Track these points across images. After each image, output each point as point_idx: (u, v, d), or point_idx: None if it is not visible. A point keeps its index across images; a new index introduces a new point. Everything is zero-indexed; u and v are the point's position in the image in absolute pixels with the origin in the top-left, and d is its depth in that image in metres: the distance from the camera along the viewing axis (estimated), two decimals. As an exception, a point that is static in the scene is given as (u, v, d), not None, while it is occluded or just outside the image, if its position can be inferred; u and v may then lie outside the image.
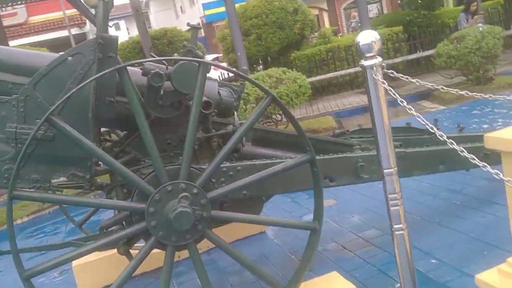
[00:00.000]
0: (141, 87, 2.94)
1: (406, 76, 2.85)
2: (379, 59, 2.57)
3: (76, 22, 23.95)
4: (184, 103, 3.16)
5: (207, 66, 2.73)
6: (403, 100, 2.62)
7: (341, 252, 4.00)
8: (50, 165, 2.72)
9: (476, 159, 2.47)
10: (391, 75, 2.73)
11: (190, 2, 30.12)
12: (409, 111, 2.59)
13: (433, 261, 3.51)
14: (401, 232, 2.72)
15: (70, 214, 4.32)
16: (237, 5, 12.02)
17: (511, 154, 2.53)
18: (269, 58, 13.05)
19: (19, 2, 10.83)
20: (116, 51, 2.80)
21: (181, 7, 33.01)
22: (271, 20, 12.30)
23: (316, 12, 30.29)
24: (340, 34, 22.72)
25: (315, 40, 14.25)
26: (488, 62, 8.89)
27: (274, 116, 8.57)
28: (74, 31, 23.81)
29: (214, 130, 3.25)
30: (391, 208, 2.70)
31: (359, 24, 22.12)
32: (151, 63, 2.80)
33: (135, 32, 13.52)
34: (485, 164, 2.43)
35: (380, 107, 2.62)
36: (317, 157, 3.22)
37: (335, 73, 11.98)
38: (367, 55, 2.56)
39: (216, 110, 3.28)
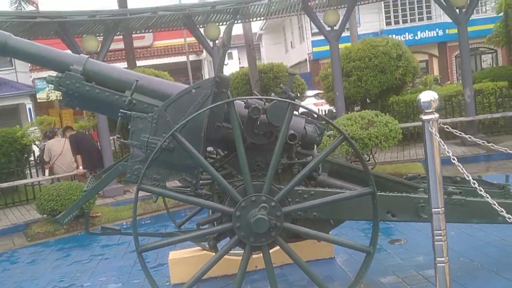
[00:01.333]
0: (243, 117, 3.72)
1: (460, 132, 3.32)
2: (436, 115, 3.10)
3: (194, 50, 26.14)
4: (274, 133, 3.90)
5: (294, 106, 3.42)
6: (449, 150, 3.09)
7: (399, 283, 4.42)
8: (167, 169, 3.56)
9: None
10: (446, 129, 3.23)
11: (301, 38, 31.39)
12: (458, 167, 3.08)
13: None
14: (442, 264, 3.17)
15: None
16: (342, 46, 12.71)
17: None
18: (367, 100, 13.49)
19: (150, 30, 12.41)
20: (228, 88, 3.62)
21: (291, 42, 34.43)
22: (373, 63, 12.76)
23: (425, 57, 30.10)
24: (448, 82, 22.48)
25: (418, 86, 14.44)
26: None
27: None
28: (192, 57, 26.05)
29: (296, 159, 3.92)
30: (436, 243, 3.17)
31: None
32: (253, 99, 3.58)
33: (245, 63, 14.69)
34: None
35: (433, 155, 3.12)
36: (384, 193, 3.80)
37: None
38: (426, 111, 3.11)
39: (300, 142, 3.95)
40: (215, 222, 3.74)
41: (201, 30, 11.44)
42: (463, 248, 5.08)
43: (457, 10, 11.09)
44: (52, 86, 4.00)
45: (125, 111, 3.67)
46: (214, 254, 5.11)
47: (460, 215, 3.96)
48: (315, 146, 4.04)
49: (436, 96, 3.10)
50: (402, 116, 12.35)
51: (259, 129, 3.74)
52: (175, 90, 3.97)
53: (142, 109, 3.82)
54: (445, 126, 3.24)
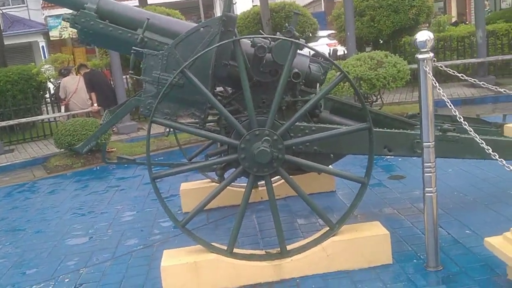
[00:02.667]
0: (249, 55, 3.90)
1: (453, 71, 3.49)
2: (431, 54, 3.26)
3: (206, -13, 25.77)
4: (279, 72, 4.09)
5: (298, 45, 3.58)
6: (444, 93, 3.28)
7: (393, 214, 4.73)
8: (178, 104, 3.80)
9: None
10: (440, 68, 3.39)
11: (315, -25, 30.64)
12: (449, 106, 3.26)
13: (467, 231, 4.13)
14: (430, 194, 3.43)
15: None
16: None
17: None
18: (380, 40, 13.41)
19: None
20: (234, 27, 3.79)
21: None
22: (387, 3, 12.58)
23: (444, -3, 29.27)
24: (467, 22, 22.03)
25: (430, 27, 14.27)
26: None
27: (370, 97, 9.18)
28: (203, -5, 25.72)
29: (300, 97, 4.12)
30: (426, 175, 3.42)
31: (489, 12, 21.32)
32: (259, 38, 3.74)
33: (258, 1, 14.48)
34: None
35: (426, 93, 3.31)
36: (380, 129, 4.02)
37: (442, 62, 12.10)
38: (422, 50, 3.26)
39: (304, 81, 4.13)
40: (222, 154, 4.02)
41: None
42: (459, 184, 5.35)
43: None
44: (68, 23, 4.20)
45: (138, 49, 3.85)
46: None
47: (454, 151, 4.19)
48: (318, 85, 4.22)
49: (432, 36, 3.24)
50: (414, 57, 12.32)
51: (265, 67, 3.93)
52: (184, 29, 4.13)
53: (154, 46, 4.00)
54: (439, 65, 3.39)
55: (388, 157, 5.71)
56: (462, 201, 4.89)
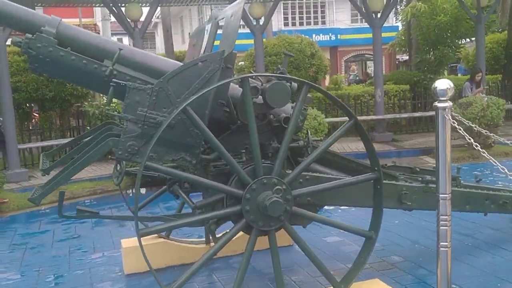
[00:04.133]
0: (235, 96, 3.53)
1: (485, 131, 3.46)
2: (451, 103, 3.19)
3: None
4: (268, 116, 3.75)
5: (309, 87, 3.30)
6: (476, 144, 3.23)
7: (387, 268, 4.50)
8: (165, 147, 3.25)
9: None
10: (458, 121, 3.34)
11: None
12: (482, 153, 3.24)
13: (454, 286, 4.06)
14: (445, 249, 3.27)
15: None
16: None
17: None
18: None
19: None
20: (234, 64, 3.39)
21: (189, 33, 33.92)
22: (289, 60, 12.98)
23: (319, 59, 31.50)
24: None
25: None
26: (490, 130, 9.65)
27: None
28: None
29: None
30: (441, 228, 3.26)
31: (357, 78, 23.24)
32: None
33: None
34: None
35: (445, 142, 3.20)
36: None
37: (342, 118, 12.69)
38: (441, 98, 3.18)
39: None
40: (214, 206, 3.49)
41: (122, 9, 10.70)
42: (413, 235, 5.36)
43: (373, 15, 11.68)
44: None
45: (119, 81, 3.28)
46: (171, 241, 4.88)
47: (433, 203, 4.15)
48: (308, 131, 3.96)
49: (452, 85, 3.19)
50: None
51: (255, 110, 3.57)
52: (160, 64, 3.67)
53: (124, 81, 3.46)
54: (459, 118, 3.35)
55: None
56: (425, 252, 4.86)
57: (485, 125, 9.61)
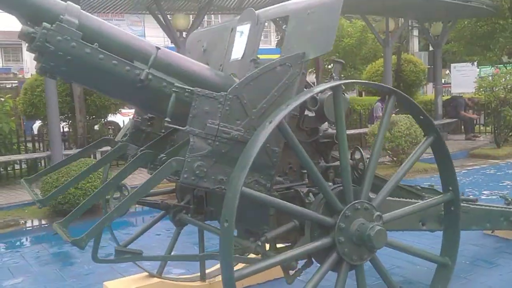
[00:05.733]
0: None
1: None
2: None
3: None
4: (319, 131, 3.32)
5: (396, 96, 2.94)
6: None
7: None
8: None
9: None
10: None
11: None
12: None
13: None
14: None
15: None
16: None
17: None
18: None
19: None
20: (306, 69, 2.91)
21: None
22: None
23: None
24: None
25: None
26: (413, 148, 10.14)
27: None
28: None
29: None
30: None
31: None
32: None
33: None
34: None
35: None
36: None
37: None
38: None
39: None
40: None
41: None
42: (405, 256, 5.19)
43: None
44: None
45: (183, 86, 2.62)
46: (165, 279, 4.14)
47: (465, 222, 4.01)
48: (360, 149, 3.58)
49: None
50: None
51: (306, 124, 3.14)
52: (197, 69, 3.07)
53: (158, 87, 2.81)
54: None
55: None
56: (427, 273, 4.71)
57: (410, 142, 10.07)
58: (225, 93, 2.63)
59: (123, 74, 2.74)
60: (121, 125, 14.14)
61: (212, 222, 3.71)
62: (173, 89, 2.66)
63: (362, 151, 3.46)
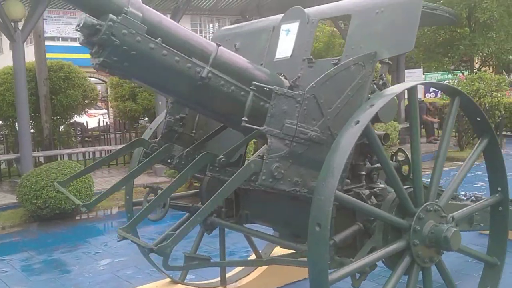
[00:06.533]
0: None
1: None
2: None
3: None
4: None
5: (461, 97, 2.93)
6: None
7: None
8: (311, 169, 2.59)
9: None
10: None
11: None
12: None
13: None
14: None
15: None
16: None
17: None
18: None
19: None
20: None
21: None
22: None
23: None
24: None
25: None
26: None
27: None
28: None
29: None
30: None
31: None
32: None
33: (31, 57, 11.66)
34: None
35: None
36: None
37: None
38: None
39: None
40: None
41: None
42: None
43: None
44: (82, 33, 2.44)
45: (262, 85, 2.51)
46: (186, 286, 3.98)
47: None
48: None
49: None
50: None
51: None
52: (250, 67, 2.96)
53: (216, 86, 2.70)
54: None
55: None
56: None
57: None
58: (303, 92, 2.54)
59: (184, 72, 2.61)
60: (87, 126, 13.56)
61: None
62: (251, 88, 2.54)
63: (406, 153, 3.44)
